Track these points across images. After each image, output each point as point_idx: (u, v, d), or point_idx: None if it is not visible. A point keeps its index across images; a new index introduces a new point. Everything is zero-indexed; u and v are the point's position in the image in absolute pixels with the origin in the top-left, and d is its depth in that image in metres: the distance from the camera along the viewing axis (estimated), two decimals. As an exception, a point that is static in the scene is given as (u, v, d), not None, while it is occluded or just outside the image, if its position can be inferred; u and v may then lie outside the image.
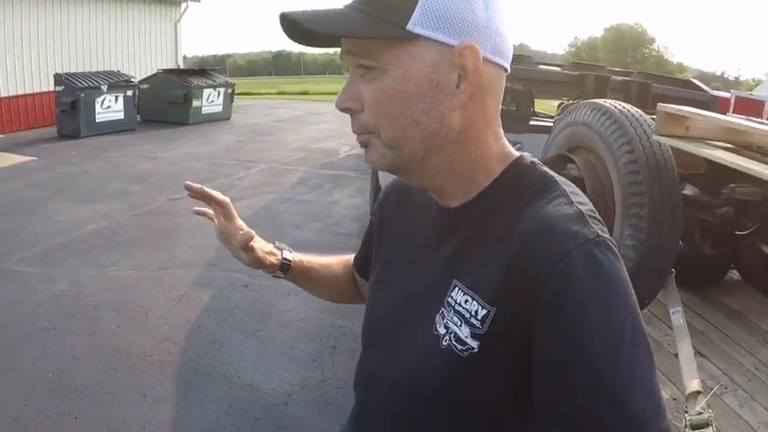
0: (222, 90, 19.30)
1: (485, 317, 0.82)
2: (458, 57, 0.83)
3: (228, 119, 19.52)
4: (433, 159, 0.88)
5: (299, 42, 0.89)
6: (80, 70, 17.48)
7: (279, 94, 32.80)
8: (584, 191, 3.00)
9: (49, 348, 4.44)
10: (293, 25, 0.83)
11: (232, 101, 19.94)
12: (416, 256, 1.00)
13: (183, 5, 22.69)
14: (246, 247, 1.19)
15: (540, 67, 5.22)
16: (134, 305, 5.27)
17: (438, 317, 0.89)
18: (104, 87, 16.20)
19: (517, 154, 0.95)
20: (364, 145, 0.90)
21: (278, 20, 0.84)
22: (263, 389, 3.95)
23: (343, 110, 0.88)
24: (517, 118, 4.23)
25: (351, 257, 1.38)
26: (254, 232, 1.20)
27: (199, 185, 1.19)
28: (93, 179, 10.76)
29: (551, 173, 0.93)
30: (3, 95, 17.70)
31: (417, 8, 0.81)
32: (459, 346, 0.84)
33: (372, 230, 1.21)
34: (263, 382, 4.04)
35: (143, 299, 5.42)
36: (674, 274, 2.96)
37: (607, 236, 0.82)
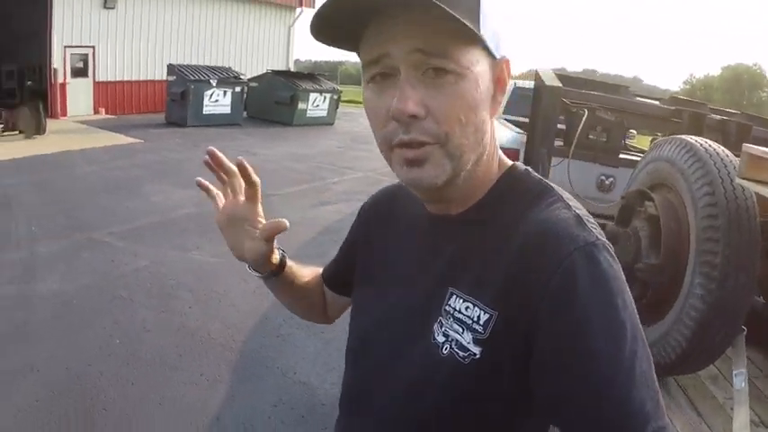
0: (328, 96, 19.76)
1: (487, 321, 0.81)
2: (499, 69, 0.86)
3: (332, 124, 19.94)
4: (471, 169, 0.86)
5: (322, 38, 0.85)
6: (193, 63, 18.44)
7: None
8: (659, 231, 2.88)
9: (122, 317, 4.67)
10: (333, 16, 0.79)
11: (337, 107, 20.39)
12: (408, 267, 0.98)
13: (298, 10, 23.46)
14: (270, 238, 1.06)
15: (637, 99, 5.00)
16: (209, 290, 5.45)
17: (436, 326, 0.88)
18: (214, 82, 16.97)
19: (510, 162, 0.95)
20: (422, 161, 0.82)
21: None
22: (316, 388, 3.99)
23: (411, 117, 0.78)
24: (606, 149, 4.05)
25: (318, 271, 1.30)
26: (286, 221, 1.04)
27: (237, 160, 1.01)
28: (193, 166, 11.17)
29: (545, 180, 0.93)
30: (118, 79, 18.87)
31: (480, 17, 0.80)
32: (462, 353, 0.83)
33: (353, 243, 1.17)
34: (316, 381, 4.07)
35: (219, 285, 5.58)
36: (744, 333, 2.76)
37: (605, 239, 0.81)
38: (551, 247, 0.78)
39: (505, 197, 0.90)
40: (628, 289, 0.79)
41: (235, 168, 1.02)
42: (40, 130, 13.98)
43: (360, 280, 1.12)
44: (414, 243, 0.99)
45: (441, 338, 0.86)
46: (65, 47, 17.58)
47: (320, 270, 1.29)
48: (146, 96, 19.81)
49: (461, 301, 0.85)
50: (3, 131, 13.71)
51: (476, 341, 0.82)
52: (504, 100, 5.96)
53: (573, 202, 0.87)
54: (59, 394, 3.60)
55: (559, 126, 4.09)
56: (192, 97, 16.48)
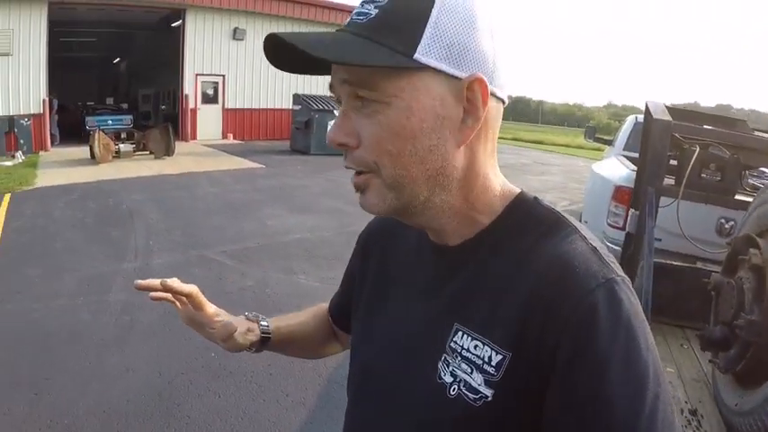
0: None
1: (500, 363, 0.76)
2: (465, 90, 0.77)
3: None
4: (435, 199, 0.81)
5: (281, 67, 0.85)
6: (318, 94, 19.11)
7: (513, 139, 33.22)
8: (765, 283, 2.58)
9: (221, 333, 4.79)
10: (281, 48, 0.77)
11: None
12: (410, 298, 0.93)
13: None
14: (228, 338, 1.14)
15: (756, 133, 4.57)
16: (309, 314, 5.51)
17: (441, 364, 0.82)
18: (337, 112, 17.45)
19: (518, 190, 0.88)
20: (363, 187, 0.82)
21: (264, 41, 0.79)
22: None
23: (339, 146, 0.80)
24: (720, 189, 3.70)
25: (321, 307, 1.30)
26: (234, 322, 1.14)
27: (161, 282, 1.07)
28: (311, 194, 11.56)
29: (557, 209, 0.86)
30: (246, 107, 19.90)
31: (424, 37, 0.74)
32: (472, 395, 0.78)
33: (352, 274, 1.14)
34: (401, 411, 4.00)
35: (319, 310, 5.63)
36: None
37: (624, 274, 0.77)
38: (570, 284, 0.73)
39: (514, 228, 0.84)
40: (648, 328, 0.74)
41: (175, 287, 1.09)
42: (169, 151, 14.95)
43: (359, 310, 1.07)
44: (416, 271, 0.94)
45: (448, 378, 0.81)
46: (196, 75, 18.90)
47: (323, 306, 1.30)
48: (272, 124, 20.81)
49: (469, 339, 0.80)
50: (134, 151, 14.73)
51: (487, 383, 0.76)
52: (625, 135, 5.67)
53: (588, 234, 0.81)
54: (148, 397, 3.79)
55: (674, 162, 3.82)
56: (316, 126, 17.10)
